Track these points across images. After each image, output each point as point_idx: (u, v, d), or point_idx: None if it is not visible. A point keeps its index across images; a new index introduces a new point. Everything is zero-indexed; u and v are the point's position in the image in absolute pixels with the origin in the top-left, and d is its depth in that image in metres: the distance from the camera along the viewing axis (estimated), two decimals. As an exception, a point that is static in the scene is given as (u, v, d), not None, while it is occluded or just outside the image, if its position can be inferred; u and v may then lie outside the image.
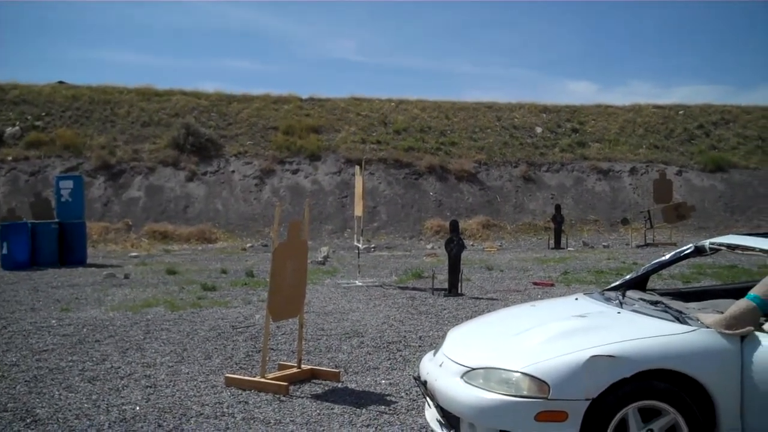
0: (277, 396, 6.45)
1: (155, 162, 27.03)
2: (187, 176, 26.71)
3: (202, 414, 5.95)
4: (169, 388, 6.70)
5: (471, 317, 9.37)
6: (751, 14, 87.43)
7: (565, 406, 4.22)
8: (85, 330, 9.43)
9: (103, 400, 6.33)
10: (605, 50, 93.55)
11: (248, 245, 22.82)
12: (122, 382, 6.95)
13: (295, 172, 27.55)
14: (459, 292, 12.28)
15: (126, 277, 15.04)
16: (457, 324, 6.83)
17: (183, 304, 11.38)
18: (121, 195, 25.65)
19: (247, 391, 6.58)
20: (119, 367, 7.50)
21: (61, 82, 31.68)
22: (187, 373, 7.24)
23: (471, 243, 22.68)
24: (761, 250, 5.30)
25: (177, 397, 6.42)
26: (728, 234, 6.30)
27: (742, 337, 4.43)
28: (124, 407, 6.14)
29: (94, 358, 7.90)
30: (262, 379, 6.71)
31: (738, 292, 5.42)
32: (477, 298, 11.92)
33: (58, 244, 18.15)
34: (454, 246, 12.50)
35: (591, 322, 4.92)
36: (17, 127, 27.84)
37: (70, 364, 7.67)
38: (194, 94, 31.56)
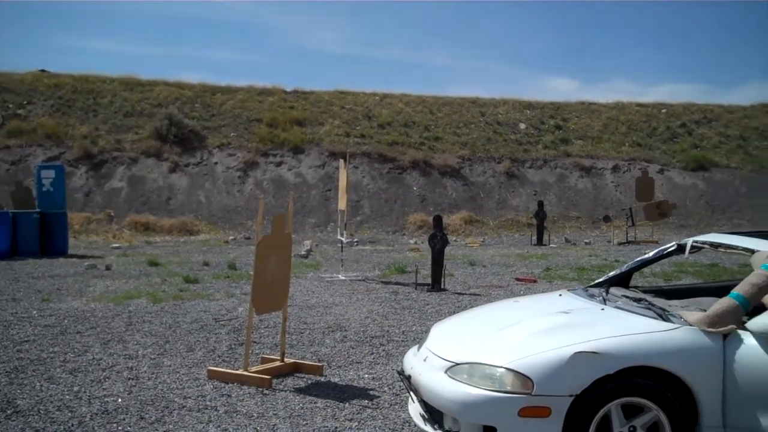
0: (260, 389, 6.43)
1: (138, 152, 26.88)
2: (169, 167, 26.58)
3: (184, 407, 5.93)
4: (152, 381, 6.67)
5: (454, 312, 9.41)
6: (731, 14, 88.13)
7: (548, 401, 4.24)
8: (66, 321, 9.38)
9: (85, 392, 6.30)
10: (585, 47, 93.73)
11: (231, 238, 22.75)
12: (104, 373, 6.91)
13: (278, 164, 27.49)
14: (442, 287, 12.30)
15: (108, 268, 14.95)
16: (440, 319, 6.84)
17: (165, 296, 11.34)
18: (103, 185, 25.49)
19: (230, 384, 6.56)
20: (101, 359, 7.46)
21: (42, 71, 31.38)
22: (170, 366, 7.21)
23: (454, 238, 22.74)
24: (744, 249, 5.33)
25: (159, 390, 6.39)
26: (710, 232, 6.34)
27: (725, 335, 4.46)
28: (106, 399, 6.11)
29: (76, 350, 7.85)
30: (245, 372, 6.69)
31: (720, 291, 5.45)
32: (460, 294, 11.95)
33: (39, 233, 18.02)
34: (438, 241, 12.52)
35: (575, 318, 4.94)
36: (-2, 116, 27.59)
37: (52, 355, 7.62)
38: (178, 85, 31.41)
